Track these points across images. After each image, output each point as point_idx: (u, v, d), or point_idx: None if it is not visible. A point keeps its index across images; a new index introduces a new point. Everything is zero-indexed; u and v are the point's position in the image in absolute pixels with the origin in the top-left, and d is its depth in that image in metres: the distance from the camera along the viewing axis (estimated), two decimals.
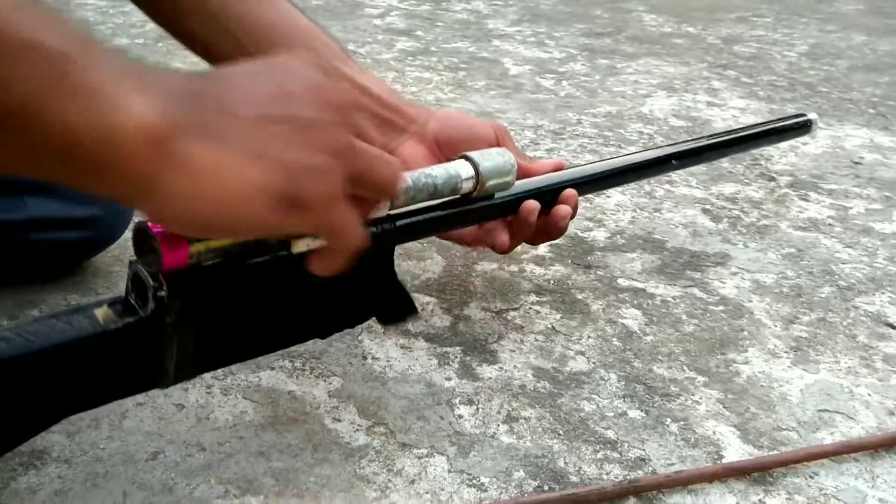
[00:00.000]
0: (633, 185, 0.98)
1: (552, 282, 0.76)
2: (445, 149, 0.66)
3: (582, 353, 0.66)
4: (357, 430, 0.56)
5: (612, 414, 0.59)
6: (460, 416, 0.58)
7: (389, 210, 0.50)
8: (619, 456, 0.55)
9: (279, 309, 0.49)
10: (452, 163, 0.56)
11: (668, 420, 0.59)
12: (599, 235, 0.86)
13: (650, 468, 0.54)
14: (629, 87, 1.38)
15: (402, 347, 0.66)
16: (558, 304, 0.73)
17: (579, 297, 0.74)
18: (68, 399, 0.43)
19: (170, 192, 0.35)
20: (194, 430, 0.55)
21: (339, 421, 0.57)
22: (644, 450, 0.56)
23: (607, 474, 0.54)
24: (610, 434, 0.57)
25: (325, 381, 0.61)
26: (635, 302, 0.73)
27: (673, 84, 1.41)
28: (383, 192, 0.44)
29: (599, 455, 0.55)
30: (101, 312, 0.42)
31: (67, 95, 0.32)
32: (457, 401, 0.60)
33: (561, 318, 0.71)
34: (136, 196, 0.35)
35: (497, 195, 0.60)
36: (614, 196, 0.95)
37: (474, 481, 0.52)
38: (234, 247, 0.44)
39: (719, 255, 0.83)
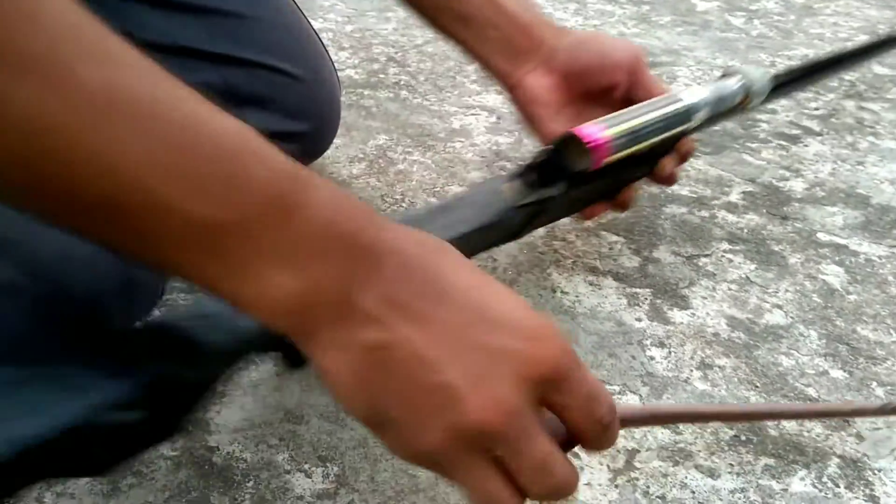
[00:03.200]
0: (833, 135, 0.92)
1: (746, 230, 0.74)
2: (574, 81, 0.62)
3: (779, 307, 0.64)
4: None
5: (813, 372, 0.57)
6: (652, 358, 0.58)
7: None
8: None
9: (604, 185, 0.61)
10: (732, 82, 0.63)
11: (874, 383, 0.56)
12: (797, 186, 0.81)
13: (854, 430, 0.52)
14: (828, 30, 1.29)
15: (590, 284, 0.66)
16: (752, 254, 0.70)
17: (775, 248, 0.71)
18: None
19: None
20: None
21: None
22: None
23: (808, 432, 0.52)
24: (811, 392, 0.55)
25: None
26: (837, 258, 0.70)
27: (877, 28, 1.30)
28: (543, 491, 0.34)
29: None
30: (507, 188, 0.54)
31: (216, 261, 0.29)
32: (648, 342, 0.60)
33: (756, 268, 0.68)
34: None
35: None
36: (813, 145, 0.90)
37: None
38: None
39: None
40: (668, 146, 0.62)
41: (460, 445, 0.31)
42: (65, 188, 0.27)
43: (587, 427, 0.34)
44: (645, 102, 0.59)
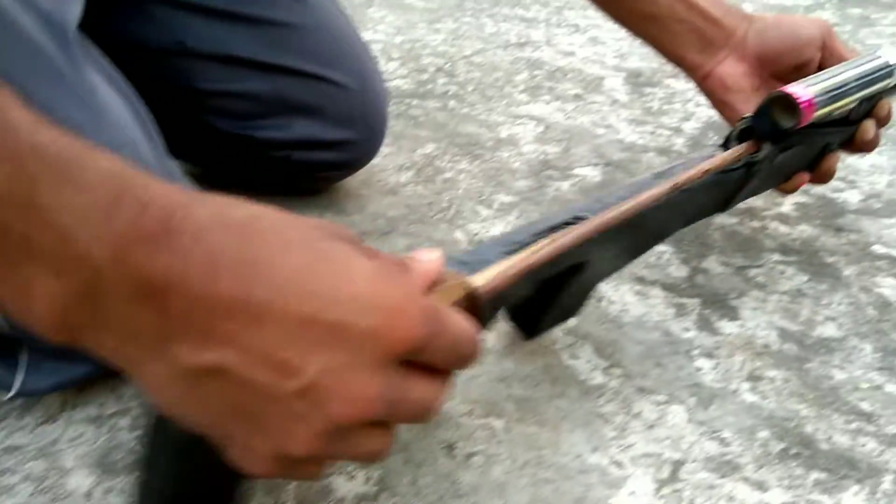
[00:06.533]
0: (890, 146, 0.90)
1: (798, 242, 0.72)
2: (766, 64, 0.64)
3: (832, 319, 0.62)
4: (594, 369, 0.57)
5: (867, 385, 0.56)
6: (699, 369, 0.57)
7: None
8: (875, 429, 0.52)
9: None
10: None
11: None
12: (852, 198, 0.80)
13: None
14: (885, 40, 1.26)
15: (637, 293, 0.65)
16: (805, 265, 0.69)
17: (828, 260, 0.70)
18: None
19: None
20: None
21: (577, 358, 0.58)
22: None
23: (861, 447, 0.51)
24: (864, 406, 0.54)
25: None
26: (893, 271, 0.68)
27: None
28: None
29: (853, 426, 0.52)
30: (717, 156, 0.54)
31: None
32: (696, 353, 0.59)
33: (808, 280, 0.67)
34: None
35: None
36: (869, 157, 0.88)
37: (715, 435, 0.51)
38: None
39: None
40: (867, 111, 0.63)
41: (335, 439, 0.30)
42: None
43: (456, 366, 0.33)
44: (845, 62, 0.60)
